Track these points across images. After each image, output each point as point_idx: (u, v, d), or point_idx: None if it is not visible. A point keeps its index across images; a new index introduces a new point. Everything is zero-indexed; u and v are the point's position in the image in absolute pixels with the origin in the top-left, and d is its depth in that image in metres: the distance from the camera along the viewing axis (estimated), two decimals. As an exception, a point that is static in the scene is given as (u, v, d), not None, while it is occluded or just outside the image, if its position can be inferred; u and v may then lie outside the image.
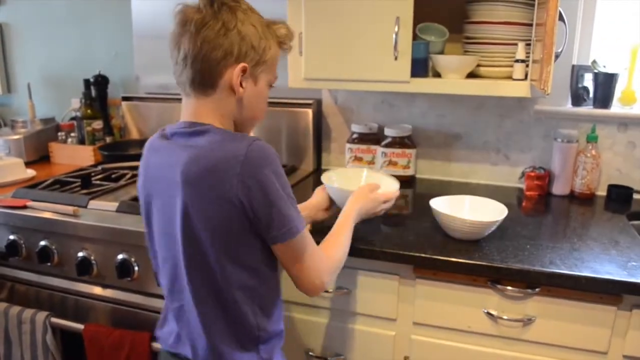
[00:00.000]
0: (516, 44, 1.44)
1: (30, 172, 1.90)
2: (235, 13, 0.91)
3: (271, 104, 1.91)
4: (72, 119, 2.23)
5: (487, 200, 1.39)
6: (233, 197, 0.87)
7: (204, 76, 0.92)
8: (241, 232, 0.91)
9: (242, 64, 0.92)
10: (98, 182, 1.76)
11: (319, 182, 1.81)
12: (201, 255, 0.93)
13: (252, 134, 1.05)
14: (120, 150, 2.05)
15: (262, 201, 0.88)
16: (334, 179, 1.40)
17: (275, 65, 1.01)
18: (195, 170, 0.90)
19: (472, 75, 1.56)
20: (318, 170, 1.97)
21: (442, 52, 1.63)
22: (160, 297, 1.25)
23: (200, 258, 0.93)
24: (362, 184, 1.44)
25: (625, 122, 1.65)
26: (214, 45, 0.90)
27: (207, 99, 0.94)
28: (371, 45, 1.50)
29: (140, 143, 2.07)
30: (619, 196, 1.65)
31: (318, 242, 1.03)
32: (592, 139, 1.64)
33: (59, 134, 2.16)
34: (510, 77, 1.47)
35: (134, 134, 2.21)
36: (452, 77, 1.53)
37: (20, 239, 1.55)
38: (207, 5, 0.91)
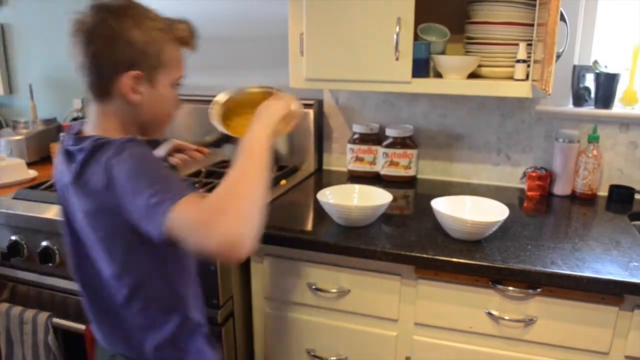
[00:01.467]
0: (517, 44, 1.44)
1: (32, 173, 1.90)
2: (122, 20, 0.91)
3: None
4: (74, 119, 2.23)
5: (488, 200, 1.39)
6: None
7: (99, 86, 0.94)
8: None
9: (133, 72, 0.92)
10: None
11: (319, 183, 1.82)
12: None
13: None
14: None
15: None
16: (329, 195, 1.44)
17: (176, 65, 0.99)
18: None
19: (473, 75, 1.56)
20: (319, 171, 1.97)
21: (443, 53, 1.63)
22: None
23: None
24: (355, 197, 1.46)
25: (626, 123, 1.65)
26: (102, 55, 0.91)
27: (107, 106, 0.96)
28: (372, 46, 1.50)
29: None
30: (620, 196, 1.65)
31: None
32: (593, 139, 1.64)
33: (61, 134, 2.17)
34: (511, 78, 1.47)
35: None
36: (453, 77, 1.53)
37: (22, 239, 1.55)
38: (94, 14, 0.91)
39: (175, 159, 1.37)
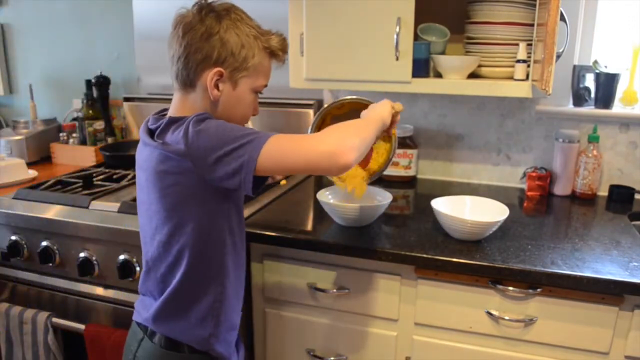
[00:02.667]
0: (517, 44, 1.44)
1: (32, 173, 1.90)
2: (221, 21, 0.98)
3: (272, 104, 1.94)
4: (74, 119, 2.23)
5: (488, 200, 1.39)
6: None
7: (185, 75, 1.00)
8: None
9: (217, 68, 0.99)
10: (100, 182, 1.76)
11: (319, 183, 1.81)
12: None
13: None
14: (121, 151, 2.05)
15: None
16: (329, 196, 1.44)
17: (262, 74, 1.05)
18: None
19: (473, 75, 1.56)
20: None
21: (443, 53, 1.63)
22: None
23: None
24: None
25: (626, 123, 1.65)
26: (195, 48, 0.97)
27: (188, 95, 1.03)
28: (372, 46, 1.50)
29: (142, 143, 2.09)
30: (620, 196, 1.65)
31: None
32: (593, 139, 1.64)
33: (61, 134, 2.17)
34: (511, 78, 1.47)
35: (136, 135, 2.22)
36: (453, 77, 1.53)
37: (22, 239, 1.55)
38: (196, 11, 0.99)
39: None
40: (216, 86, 1.00)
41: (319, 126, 1.28)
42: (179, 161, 0.94)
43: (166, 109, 1.10)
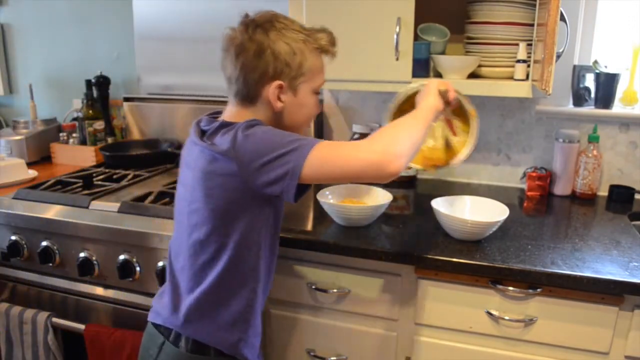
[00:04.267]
0: (517, 44, 1.44)
1: (32, 173, 1.90)
2: (269, 34, 0.99)
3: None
4: (74, 119, 2.23)
5: (488, 200, 1.39)
6: None
7: (245, 93, 1.02)
8: None
9: (277, 82, 1.01)
10: (100, 182, 1.76)
11: (319, 184, 1.81)
12: None
13: None
14: (121, 151, 2.05)
15: None
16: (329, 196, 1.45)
17: (318, 73, 1.08)
18: None
19: (473, 75, 1.56)
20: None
21: (443, 53, 1.63)
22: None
23: None
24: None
25: (626, 123, 1.65)
26: (250, 68, 1.00)
27: (247, 109, 1.05)
28: (372, 46, 1.50)
29: (142, 143, 2.09)
30: (620, 196, 1.65)
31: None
32: (593, 139, 1.64)
33: (61, 134, 2.17)
34: (511, 78, 1.47)
35: (136, 135, 2.21)
36: (453, 77, 1.53)
37: (21, 239, 1.55)
38: (243, 30, 1.00)
39: None
40: (278, 98, 1.02)
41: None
42: (225, 163, 0.95)
43: (219, 111, 1.11)
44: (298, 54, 1.01)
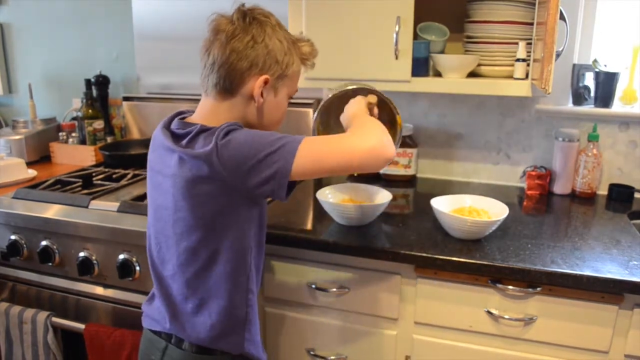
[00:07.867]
0: (517, 43, 1.44)
1: (32, 172, 1.90)
2: (265, 28, 0.99)
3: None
4: (73, 119, 2.23)
5: (488, 199, 1.39)
6: None
7: (228, 82, 0.99)
8: None
9: (264, 76, 0.99)
10: (99, 182, 1.76)
11: (319, 182, 1.81)
12: None
13: None
14: (121, 150, 2.05)
15: None
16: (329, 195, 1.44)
17: (296, 80, 1.07)
18: None
19: (473, 74, 1.56)
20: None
21: (442, 52, 1.63)
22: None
23: None
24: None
25: (626, 121, 1.65)
26: (241, 55, 0.97)
27: (223, 102, 1.01)
28: (372, 45, 1.50)
29: (141, 143, 2.09)
30: (620, 195, 1.65)
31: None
32: (593, 138, 1.64)
33: (60, 134, 2.17)
34: (511, 77, 1.47)
35: (135, 134, 2.22)
36: (453, 76, 1.53)
37: (21, 239, 1.55)
38: (240, 18, 0.98)
39: None
40: (261, 93, 1.00)
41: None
42: (210, 170, 0.92)
43: (184, 112, 1.07)
44: (288, 54, 1.01)
